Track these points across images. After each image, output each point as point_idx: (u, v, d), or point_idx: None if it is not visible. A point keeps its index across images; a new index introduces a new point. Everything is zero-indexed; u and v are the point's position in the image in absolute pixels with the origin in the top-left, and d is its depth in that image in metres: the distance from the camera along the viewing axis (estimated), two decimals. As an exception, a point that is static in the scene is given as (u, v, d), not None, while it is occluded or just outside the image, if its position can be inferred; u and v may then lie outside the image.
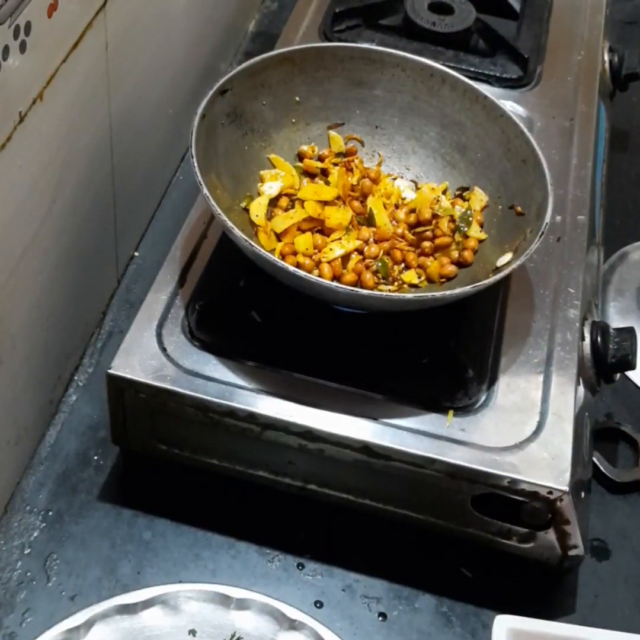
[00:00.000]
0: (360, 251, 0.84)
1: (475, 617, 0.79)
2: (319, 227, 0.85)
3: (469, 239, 0.86)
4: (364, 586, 0.80)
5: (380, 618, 0.78)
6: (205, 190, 0.76)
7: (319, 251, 0.83)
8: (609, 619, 0.79)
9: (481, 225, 0.87)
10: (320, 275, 0.80)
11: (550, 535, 0.77)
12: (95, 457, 0.86)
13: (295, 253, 0.82)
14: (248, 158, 0.88)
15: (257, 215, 0.84)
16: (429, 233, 0.86)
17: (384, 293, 0.79)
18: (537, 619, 0.70)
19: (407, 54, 0.91)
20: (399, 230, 0.86)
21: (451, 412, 0.77)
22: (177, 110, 1.05)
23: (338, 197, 0.87)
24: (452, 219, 0.86)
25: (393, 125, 0.92)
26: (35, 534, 0.80)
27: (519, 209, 0.84)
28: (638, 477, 0.88)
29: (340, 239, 0.84)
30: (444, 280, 0.84)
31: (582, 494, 0.78)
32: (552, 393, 0.79)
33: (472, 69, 1.05)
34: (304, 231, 0.84)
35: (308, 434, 0.76)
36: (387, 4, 1.11)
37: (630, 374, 0.95)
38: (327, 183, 0.88)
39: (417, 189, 0.90)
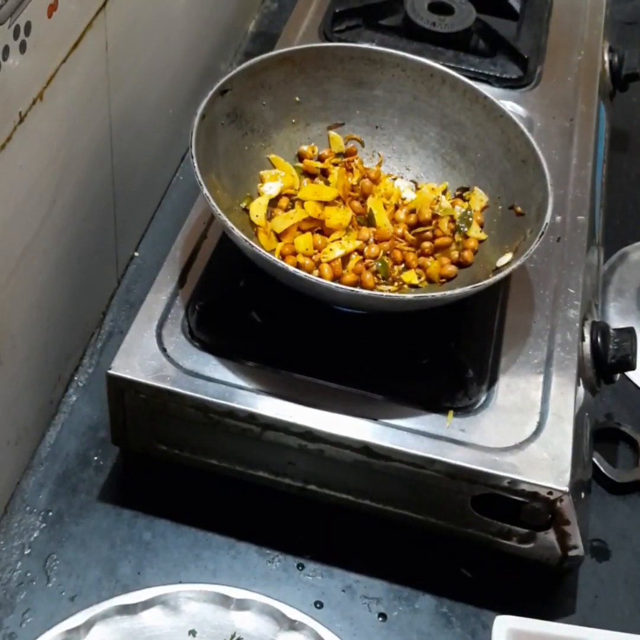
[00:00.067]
0: (360, 251, 0.84)
1: (475, 617, 0.79)
2: (319, 227, 0.85)
3: (469, 239, 0.86)
4: (364, 587, 0.80)
5: (380, 618, 0.78)
6: (205, 191, 0.76)
7: (319, 251, 0.83)
8: (609, 620, 0.79)
9: (481, 226, 0.87)
10: (320, 276, 0.80)
11: (550, 535, 0.77)
12: (95, 458, 0.86)
13: (295, 253, 0.82)
14: (248, 158, 0.88)
15: (257, 216, 0.84)
16: (429, 233, 0.86)
17: (384, 293, 0.79)
18: (537, 620, 0.70)
19: (407, 54, 0.91)
20: (399, 231, 0.86)
21: (451, 412, 0.77)
22: (177, 110, 1.05)
23: (338, 198, 0.87)
24: (452, 219, 0.86)
25: (393, 125, 0.92)
26: (35, 535, 0.80)
27: (519, 209, 0.84)
28: (638, 478, 0.88)
29: (340, 239, 0.84)
30: (444, 280, 0.84)
31: (582, 495, 0.78)
32: (552, 393, 0.79)
33: (472, 69, 1.05)
34: (304, 231, 0.84)
35: (308, 434, 0.76)
36: (387, 4, 1.11)
37: (630, 374, 0.96)
38: (327, 183, 0.88)
39: (417, 189, 0.90)
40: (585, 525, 0.78)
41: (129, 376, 0.77)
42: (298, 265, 0.81)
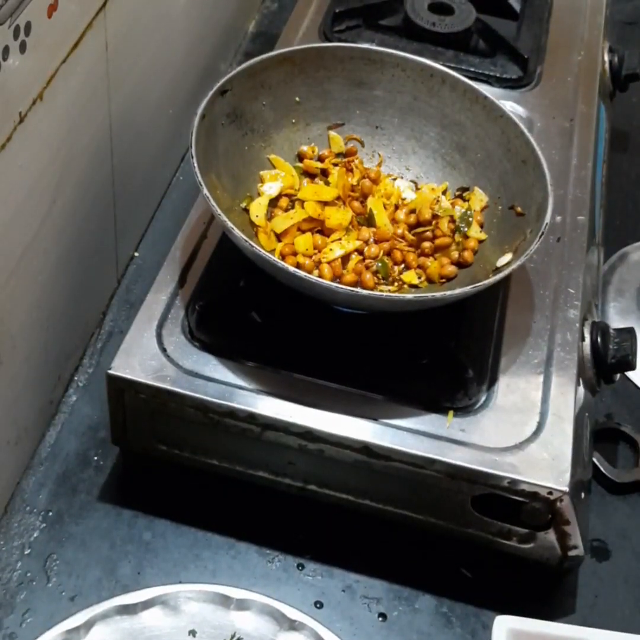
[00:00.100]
0: (360, 251, 0.84)
1: (475, 617, 0.79)
2: (319, 227, 0.85)
3: (469, 239, 0.86)
4: (364, 587, 0.80)
5: (380, 618, 0.78)
6: (205, 191, 0.76)
7: (319, 251, 0.83)
8: (609, 620, 0.79)
9: (481, 226, 0.87)
10: (320, 276, 0.80)
11: (550, 535, 0.77)
12: (95, 458, 0.86)
13: (295, 253, 0.82)
14: (248, 158, 0.88)
15: (257, 216, 0.84)
16: (429, 233, 0.86)
17: (384, 293, 0.79)
18: (537, 620, 0.70)
19: (407, 54, 0.91)
20: (399, 231, 0.86)
21: (451, 412, 0.77)
22: (177, 111, 1.05)
23: (338, 198, 0.87)
24: (452, 220, 0.86)
25: (393, 125, 0.92)
26: (35, 535, 0.80)
27: (519, 209, 0.84)
28: (638, 478, 0.88)
29: (340, 239, 0.84)
30: (444, 280, 0.84)
31: (582, 495, 0.78)
32: (552, 393, 0.79)
33: (472, 70, 1.05)
34: (304, 231, 0.84)
35: (308, 434, 0.76)
36: (387, 4, 1.11)
37: (630, 374, 0.96)
38: (327, 183, 0.88)
39: (417, 189, 0.90)
40: (585, 525, 0.78)
41: (129, 376, 0.77)
42: (298, 266, 0.81)
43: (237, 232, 0.75)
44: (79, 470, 0.85)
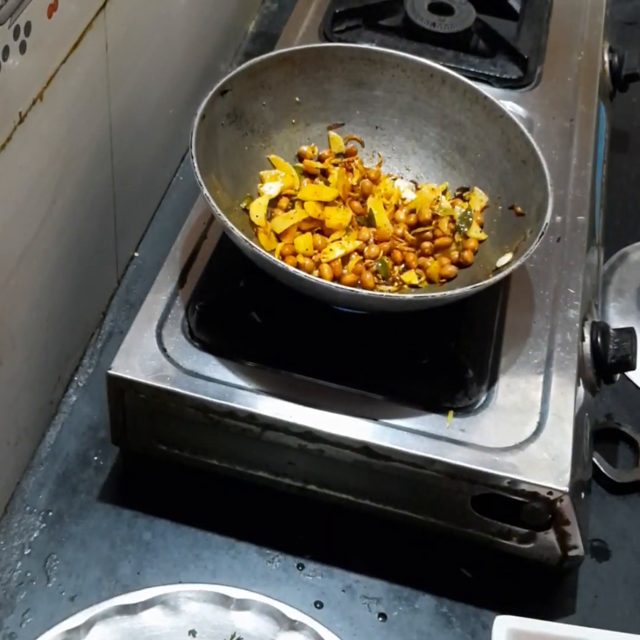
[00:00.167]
0: (360, 252, 0.84)
1: (475, 617, 0.79)
2: (319, 227, 0.85)
3: (469, 239, 0.86)
4: (364, 587, 0.80)
5: (380, 618, 0.78)
6: (205, 191, 0.76)
7: (319, 252, 0.83)
8: (609, 620, 0.79)
9: (481, 226, 0.87)
10: (320, 276, 0.80)
11: (550, 535, 0.77)
12: (95, 458, 0.86)
13: (295, 253, 0.82)
14: (248, 158, 0.88)
15: (257, 216, 0.84)
16: (429, 233, 0.86)
17: (384, 293, 0.79)
18: (537, 620, 0.70)
19: (407, 54, 0.91)
20: (399, 231, 0.86)
21: (451, 412, 0.77)
22: (177, 111, 1.05)
23: (338, 198, 0.87)
24: (452, 220, 0.86)
25: (393, 125, 0.92)
26: (35, 535, 0.80)
27: (519, 209, 0.84)
28: (638, 478, 0.88)
29: (340, 239, 0.84)
30: (444, 280, 0.84)
31: (582, 495, 0.78)
32: (552, 393, 0.79)
33: (472, 70, 1.05)
34: (304, 232, 0.84)
35: (308, 434, 0.76)
36: (387, 4, 1.11)
37: (630, 374, 0.96)
38: (327, 183, 0.88)
39: (417, 189, 0.90)
40: (585, 526, 0.78)
41: (129, 376, 0.77)
42: (298, 266, 0.81)
43: (237, 232, 0.75)
44: (79, 470, 0.85)
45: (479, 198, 0.88)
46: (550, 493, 0.74)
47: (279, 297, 0.78)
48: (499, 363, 0.81)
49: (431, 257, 0.85)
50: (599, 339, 0.85)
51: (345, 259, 0.83)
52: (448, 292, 0.75)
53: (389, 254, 0.84)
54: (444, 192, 0.89)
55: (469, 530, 0.79)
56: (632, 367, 0.84)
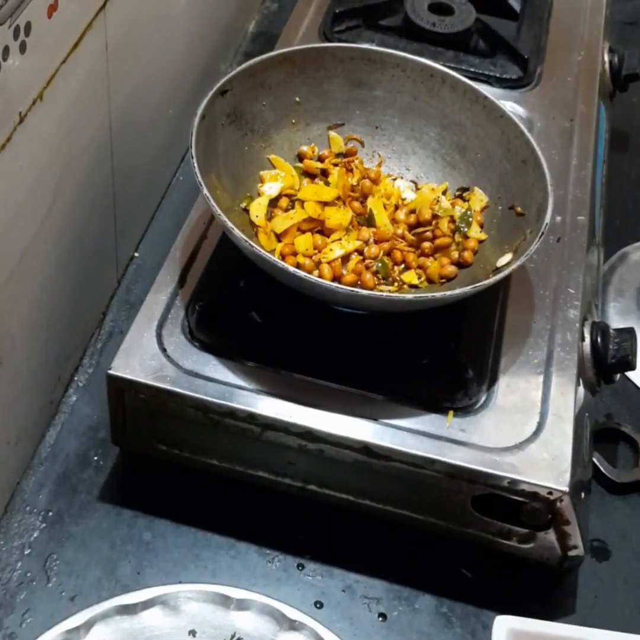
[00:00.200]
0: (360, 252, 0.84)
1: (475, 617, 0.79)
2: (319, 227, 0.85)
3: (469, 239, 0.86)
4: (364, 587, 0.80)
5: (380, 618, 0.78)
6: (205, 191, 0.76)
7: (319, 252, 0.83)
8: (609, 620, 0.79)
9: (481, 226, 0.87)
10: (320, 276, 0.80)
11: (550, 535, 0.77)
12: (95, 458, 0.86)
13: (295, 253, 0.82)
14: (248, 158, 0.88)
15: (257, 216, 0.84)
16: (429, 233, 0.86)
17: (384, 293, 0.79)
18: (537, 620, 0.70)
19: (407, 54, 0.91)
20: (399, 231, 0.86)
21: (451, 412, 0.77)
22: (177, 111, 1.05)
23: (338, 198, 0.87)
24: (452, 220, 0.86)
25: (393, 125, 0.92)
26: (35, 535, 0.80)
27: (519, 209, 0.84)
28: (638, 478, 0.88)
29: (340, 239, 0.84)
30: (444, 280, 0.84)
31: (582, 495, 0.78)
32: (552, 393, 0.79)
33: (472, 70, 1.05)
34: (304, 232, 0.84)
35: (308, 434, 0.76)
36: (387, 4, 1.11)
37: (630, 374, 0.96)
38: (327, 184, 0.88)
39: (417, 189, 0.90)
40: (585, 526, 0.78)
41: (129, 376, 0.77)
42: (298, 266, 0.81)
43: (237, 232, 0.75)
44: (79, 470, 0.85)
45: (479, 198, 0.88)
46: (550, 493, 0.74)
47: (279, 297, 0.78)
48: (499, 363, 0.81)
49: (431, 257, 0.85)
50: (599, 339, 0.85)
51: (345, 259, 0.83)
52: (448, 292, 0.75)
53: (389, 254, 0.84)
54: (444, 192, 0.89)
55: (469, 530, 0.79)
56: (632, 367, 0.84)
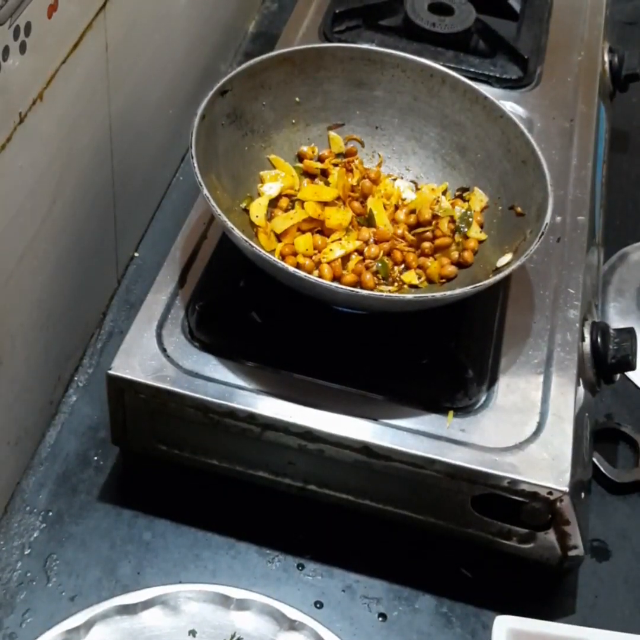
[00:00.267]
0: (360, 252, 0.84)
1: (475, 617, 0.79)
2: (319, 227, 0.85)
3: (469, 239, 0.86)
4: (364, 587, 0.80)
5: (380, 618, 0.78)
6: (205, 191, 0.76)
7: (319, 252, 0.83)
8: (609, 620, 0.79)
9: (481, 226, 0.87)
10: (320, 276, 0.80)
11: (550, 535, 0.77)
12: (95, 458, 0.86)
13: (295, 254, 0.82)
14: (248, 159, 0.88)
15: (257, 216, 0.84)
16: (429, 234, 0.86)
17: (384, 294, 0.79)
18: (537, 620, 0.70)
19: (407, 54, 0.91)
20: (399, 231, 0.86)
21: (451, 412, 0.77)
22: (177, 111, 1.05)
23: (338, 198, 0.87)
24: (452, 220, 0.86)
25: (393, 125, 0.92)
26: (35, 535, 0.80)
27: (519, 209, 0.84)
28: (638, 478, 0.88)
29: (340, 239, 0.84)
30: (444, 280, 0.84)
31: (582, 495, 0.78)
32: (552, 394, 0.79)
33: (472, 70, 1.05)
34: (304, 232, 0.84)
35: (308, 434, 0.76)
36: (387, 4, 1.11)
37: (630, 374, 0.96)
38: (327, 184, 0.88)
39: (417, 189, 0.90)
40: (585, 526, 0.78)
41: (129, 376, 0.77)
42: (298, 266, 0.81)
43: (237, 232, 0.75)
44: (79, 470, 0.85)
45: (479, 198, 0.88)
46: (550, 493, 0.74)
47: (279, 297, 0.78)
48: (499, 363, 0.81)
49: (431, 257, 0.85)
50: (599, 339, 0.85)
51: (345, 259, 0.83)
52: (448, 292, 0.75)
53: (389, 254, 0.84)
54: (444, 193, 0.89)
55: (469, 530, 0.79)
56: (632, 367, 0.84)
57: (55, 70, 0.73)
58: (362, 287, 0.81)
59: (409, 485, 0.77)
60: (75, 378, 0.92)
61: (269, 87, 0.89)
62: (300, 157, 0.91)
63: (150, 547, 0.80)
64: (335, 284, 0.75)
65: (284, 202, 0.87)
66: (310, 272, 0.80)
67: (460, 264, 0.84)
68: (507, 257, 0.82)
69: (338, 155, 0.92)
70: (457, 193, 0.90)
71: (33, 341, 0.81)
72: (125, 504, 0.83)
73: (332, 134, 0.92)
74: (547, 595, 0.81)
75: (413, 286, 0.83)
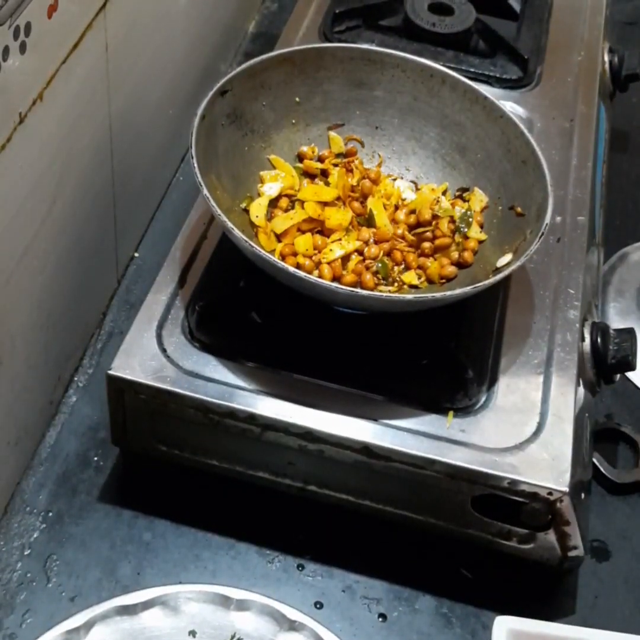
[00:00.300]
0: (360, 252, 0.84)
1: (475, 618, 0.79)
2: (319, 227, 0.85)
3: (469, 239, 0.86)
4: (364, 587, 0.80)
5: (380, 619, 0.78)
6: (205, 191, 0.76)
7: (319, 252, 0.83)
8: (609, 620, 0.79)
9: (481, 226, 0.87)
10: (320, 276, 0.80)
11: (550, 536, 0.77)
12: (95, 458, 0.86)
13: (295, 254, 0.82)
14: (248, 159, 0.88)
15: (257, 216, 0.84)
16: (429, 234, 0.86)
17: (384, 294, 0.79)
18: (537, 620, 0.70)
19: (407, 54, 0.91)
20: (399, 231, 0.86)
21: (451, 413, 0.77)
22: (177, 111, 1.05)
23: (338, 198, 0.87)
24: (452, 220, 0.86)
25: (393, 126, 0.92)
26: (35, 535, 0.80)
27: (519, 209, 0.84)
28: (638, 478, 0.88)
29: (340, 239, 0.84)
30: (444, 281, 0.84)
31: (582, 495, 0.78)
32: (552, 394, 0.79)
33: (472, 70, 1.05)
34: (304, 232, 0.84)
35: (308, 435, 0.76)
36: (387, 4, 1.11)
37: (630, 374, 0.96)
38: (327, 184, 0.88)
39: (417, 189, 0.90)
40: (585, 526, 0.78)
41: (129, 377, 0.77)
42: (298, 266, 0.81)
43: (237, 232, 0.75)
44: (79, 470, 0.85)
45: (479, 198, 0.88)
46: (550, 493, 0.74)
47: (279, 297, 0.78)
48: (499, 363, 0.81)
49: (431, 258, 0.85)
50: (599, 339, 0.85)
51: (345, 259, 0.83)
52: (448, 293, 0.75)
53: (389, 254, 0.84)
54: (444, 193, 0.89)
55: (469, 530, 0.79)
56: (632, 368, 0.84)
57: (55, 70, 0.73)
58: (362, 288, 0.81)
59: (409, 485, 0.77)
60: (75, 378, 0.92)
61: (269, 87, 0.89)
62: (300, 157, 0.91)
63: (150, 547, 0.80)
64: (335, 284, 0.75)
65: (284, 202, 0.87)
66: (310, 273, 0.80)
67: (460, 264, 0.84)
68: (507, 258, 0.81)
69: (338, 155, 0.92)
70: (457, 193, 0.90)
71: (33, 341, 0.81)
72: (125, 505, 0.83)
73: (332, 134, 0.92)
74: (547, 596, 0.81)
75: (413, 286, 0.83)
